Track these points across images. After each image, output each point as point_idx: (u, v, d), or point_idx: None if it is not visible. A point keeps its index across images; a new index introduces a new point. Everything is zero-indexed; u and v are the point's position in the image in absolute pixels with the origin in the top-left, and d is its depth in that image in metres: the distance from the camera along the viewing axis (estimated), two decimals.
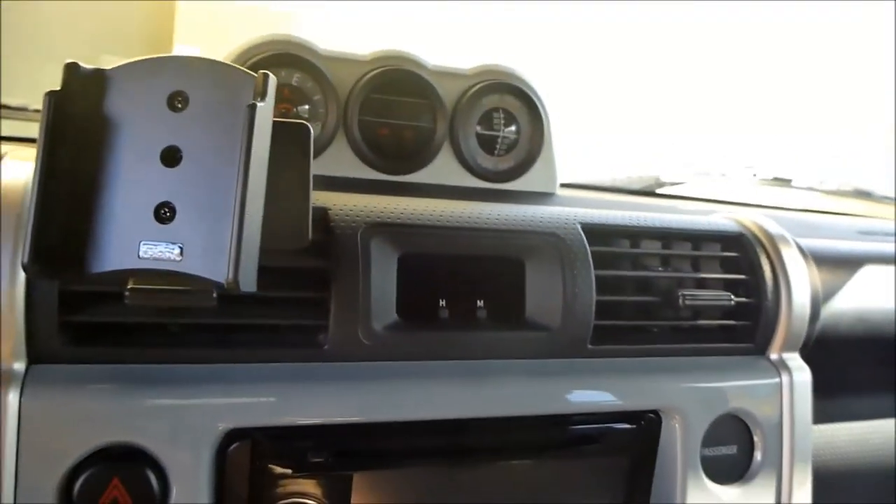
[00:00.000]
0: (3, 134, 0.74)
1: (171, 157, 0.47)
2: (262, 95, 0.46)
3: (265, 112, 0.46)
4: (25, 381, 0.50)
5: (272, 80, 0.47)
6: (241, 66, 0.55)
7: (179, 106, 0.47)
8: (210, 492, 0.53)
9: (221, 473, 0.54)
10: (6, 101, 0.90)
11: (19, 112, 0.89)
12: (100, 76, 0.48)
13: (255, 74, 0.47)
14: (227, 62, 0.48)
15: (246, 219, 0.44)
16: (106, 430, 0.51)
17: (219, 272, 0.45)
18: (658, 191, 1.20)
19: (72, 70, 0.46)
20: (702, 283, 0.70)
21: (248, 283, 0.46)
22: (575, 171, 1.04)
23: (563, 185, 0.89)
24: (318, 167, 0.76)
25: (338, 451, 0.56)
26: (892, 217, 1.18)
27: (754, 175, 1.46)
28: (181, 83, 0.47)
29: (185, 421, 0.52)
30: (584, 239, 0.64)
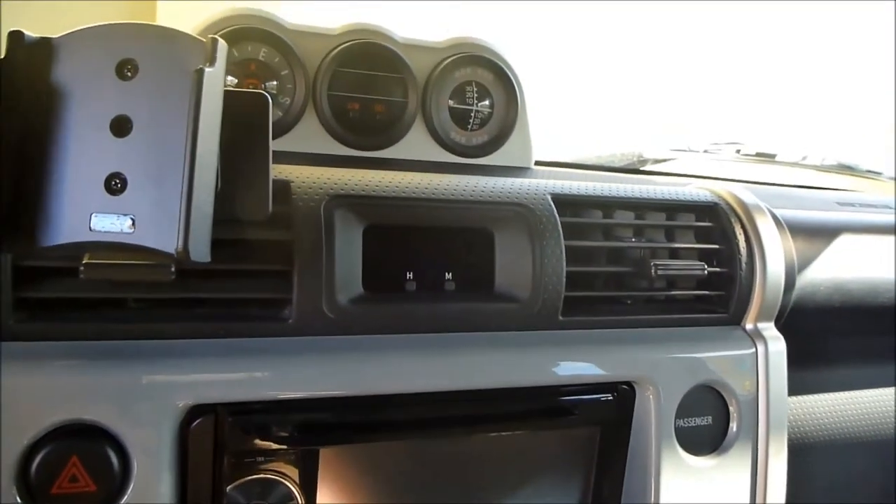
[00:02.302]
0: None
1: (121, 126, 0.45)
2: (211, 61, 0.45)
3: (214, 78, 0.45)
4: None
5: (222, 46, 0.46)
6: None
7: (129, 74, 0.46)
8: (173, 469, 0.52)
9: (184, 450, 0.53)
10: None
11: None
12: (46, 44, 0.46)
13: (205, 40, 0.46)
14: (177, 29, 0.47)
15: (195, 187, 0.43)
16: (63, 408, 0.50)
17: (170, 243, 0.44)
18: (641, 168, 1.20)
19: (16, 38, 0.45)
20: (675, 254, 0.69)
21: (200, 253, 0.45)
22: (556, 150, 1.03)
23: (541, 164, 0.89)
24: (287, 143, 0.76)
25: (303, 425, 0.56)
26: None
27: (738, 151, 1.45)
28: (130, 51, 0.46)
29: (145, 397, 0.52)
30: (554, 209, 0.64)
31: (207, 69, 0.44)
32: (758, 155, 1.44)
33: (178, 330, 0.54)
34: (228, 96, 0.49)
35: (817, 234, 0.78)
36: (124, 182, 0.45)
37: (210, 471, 0.54)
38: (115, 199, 0.45)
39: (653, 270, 0.64)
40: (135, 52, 0.46)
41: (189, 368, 0.53)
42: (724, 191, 0.75)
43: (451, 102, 0.82)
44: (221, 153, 0.50)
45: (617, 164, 1.19)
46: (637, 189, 0.70)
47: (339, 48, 0.77)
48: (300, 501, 0.55)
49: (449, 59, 0.80)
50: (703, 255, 0.70)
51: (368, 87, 0.78)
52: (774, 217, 0.74)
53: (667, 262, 0.66)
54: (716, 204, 0.72)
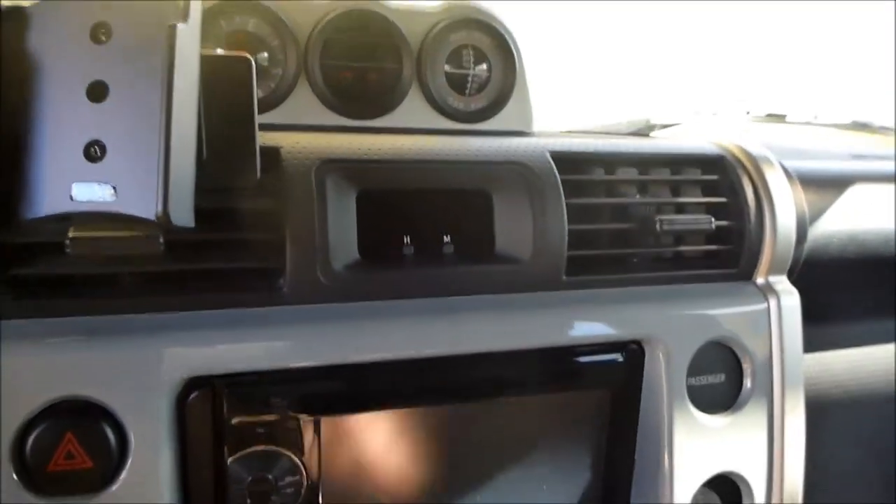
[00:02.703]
0: None
1: (97, 92, 0.44)
2: (184, 17, 0.43)
3: (189, 35, 0.43)
4: None
5: (195, 3, 0.44)
6: None
7: (103, 38, 0.45)
8: (171, 443, 0.52)
9: (182, 424, 0.52)
10: None
11: None
12: (19, 12, 0.45)
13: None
14: None
15: (173, 149, 0.42)
16: (57, 385, 0.49)
17: (151, 209, 0.43)
18: (649, 134, 1.17)
19: None
20: (681, 209, 0.67)
21: (183, 217, 0.43)
22: (561, 118, 1.01)
23: (544, 134, 0.87)
24: (280, 115, 0.74)
25: (303, 395, 0.55)
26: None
27: (747, 112, 1.42)
28: (104, 14, 0.45)
29: (140, 372, 0.51)
30: (554, 167, 0.62)
31: (180, 25, 0.42)
32: (768, 116, 1.41)
33: (170, 303, 0.53)
34: (210, 61, 0.48)
35: (829, 185, 0.76)
36: (103, 149, 0.44)
37: (210, 444, 0.53)
38: (96, 167, 0.44)
39: (658, 226, 0.62)
40: (108, 15, 0.45)
41: (183, 341, 0.52)
42: (731, 143, 0.73)
43: (447, 67, 0.80)
44: (206, 121, 0.49)
45: (623, 131, 1.17)
46: (640, 144, 0.68)
47: (330, 16, 0.75)
48: (304, 472, 0.54)
49: (443, 23, 0.78)
50: (711, 210, 0.68)
51: (361, 55, 0.76)
52: (784, 169, 0.71)
53: (672, 216, 0.64)
54: (722, 157, 0.70)
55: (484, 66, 0.81)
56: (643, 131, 1.18)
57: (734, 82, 1.65)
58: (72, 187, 0.44)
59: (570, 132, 1.02)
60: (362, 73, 0.77)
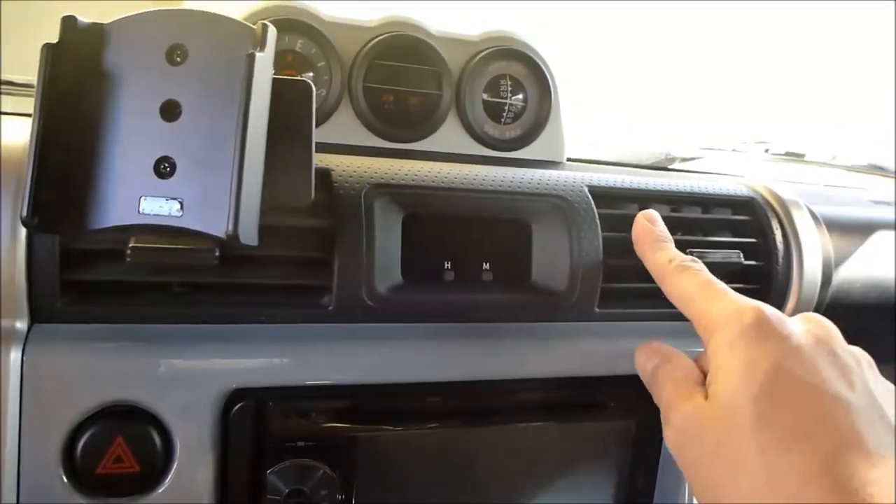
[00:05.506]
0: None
1: (170, 111, 0.46)
2: (262, 46, 0.45)
3: (264, 63, 0.45)
4: (28, 341, 0.50)
5: (272, 31, 0.46)
6: None
7: (178, 59, 0.47)
8: (214, 452, 0.53)
9: (225, 433, 0.53)
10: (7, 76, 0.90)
11: (23, 88, 0.89)
12: (98, 29, 0.47)
13: (255, 26, 0.46)
14: (226, 15, 0.48)
15: (245, 171, 0.44)
16: (108, 390, 0.51)
17: (218, 227, 0.44)
18: (669, 167, 1.19)
19: (69, 23, 0.46)
20: (712, 247, 0.69)
21: (249, 236, 0.45)
22: (582, 148, 1.03)
23: (571, 161, 0.88)
24: (322, 135, 0.76)
25: (342, 412, 0.56)
26: None
27: (766, 151, 1.44)
28: (180, 36, 0.47)
29: (188, 381, 0.52)
30: (592, 202, 0.63)
31: (258, 54, 0.44)
32: (787, 154, 1.43)
33: (220, 315, 0.54)
34: (273, 83, 0.50)
35: (853, 231, 0.77)
36: (173, 166, 0.46)
37: (250, 455, 0.54)
38: (164, 183, 0.46)
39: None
40: (184, 38, 0.46)
41: (231, 353, 0.54)
42: (760, 185, 0.74)
43: (484, 96, 0.82)
44: (266, 141, 0.51)
45: (645, 162, 1.19)
46: (673, 182, 0.70)
47: (375, 40, 0.77)
48: (339, 487, 0.56)
49: (483, 53, 0.80)
50: (740, 250, 0.69)
51: (403, 80, 0.78)
52: (811, 212, 0.73)
53: (703, 251, 0.65)
54: (752, 198, 0.72)
55: (520, 96, 0.83)
56: (663, 164, 1.20)
57: (754, 119, 1.68)
58: (140, 201, 0.46)
59: (595, 161, 1.04)
60: (404, 97, 0.79)
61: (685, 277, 0.52)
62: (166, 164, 0.46)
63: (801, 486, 0.39)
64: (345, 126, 0.77)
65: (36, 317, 0.51)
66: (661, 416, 0.49)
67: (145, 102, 0.46)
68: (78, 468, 0.50)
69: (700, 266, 0.53)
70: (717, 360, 0.45)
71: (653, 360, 0.53)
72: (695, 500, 0.65)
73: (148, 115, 0.46)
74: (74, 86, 0.46)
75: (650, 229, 0.58)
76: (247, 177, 0.44)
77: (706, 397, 0.46)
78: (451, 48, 0.80)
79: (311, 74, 0.76)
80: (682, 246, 0.67)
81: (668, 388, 0.50)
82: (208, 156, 0.45)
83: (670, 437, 0.47)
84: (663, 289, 0.54)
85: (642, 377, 0.54)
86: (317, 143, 0.70)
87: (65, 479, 0.50)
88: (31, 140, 0.44)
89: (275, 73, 0.49)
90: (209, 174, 0.45)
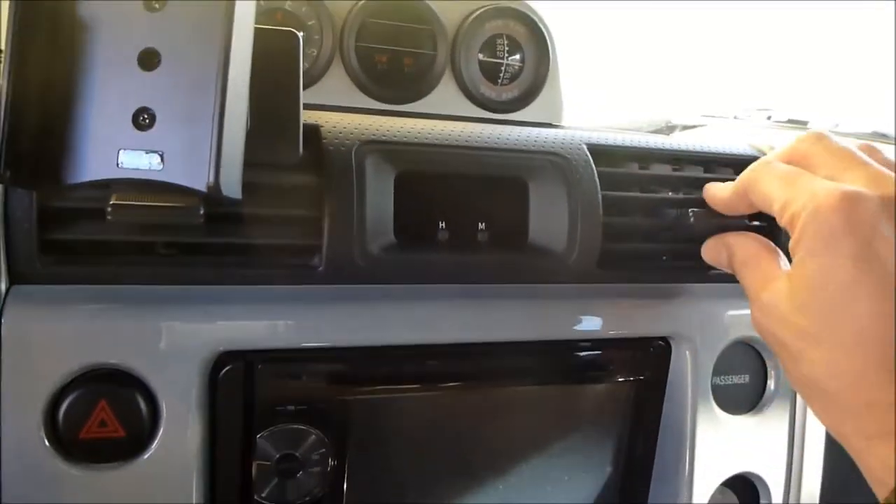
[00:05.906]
0: None
1: (148, 60, 0.44)
2: None
3: (245, 8, 0.43)
4: (6, 302, 0.48)
5: None
6: None
7: (157, 6, 0.44)
8: (202, 416, 0.52)
9: (213, 397, 0.52)
10: None
11: None
12: None
13: None
14: None
15: (226, 121, 0.42)
16: (91, 352, 0.49)
17: (200, 180, 0.42)
18: (670, 135, 1.17)
19: None
20: None
21: (232, 189, 0.43)
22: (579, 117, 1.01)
23: (573, 128, 0.86)
24: (314, 96, 0.74)
25: (335, 375, 0.55)
26: None
27: (768, 118, 1.42)
28: None
29: (174, 343, 0.51)
30: (591, 160, 0.61)
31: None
32: (789, 121, 1.40)
33: (206, 276, 0.52)
34: (258, 34, 0.48)
35: None
36: (153, 117, 0.44)
37: (240, 419, 0.53)
38: (144, 135, 0.44)
39: (691, 217, 0.62)
40: None
41: (219, 315, 0.52)
42: (764, 144, 0.72)
43: (480, 56, 0.79)
44: (250, 94, 0.49)
45: (644, 130, 1.16)
46: (674, 142, 0.68)
47: None
48: (331, 451, 0.54)
49: (479, 11, 0.78)
50: None
51: (397, 39, 0.76)
52: None
53: (705, 209, 0.63)
54: (756, 158, 0.70)
55: (517, 57, 0.81)
56: (663, 131, 1.18)
57: (753, 86, 1.65)
58: (118, 154, 0.44)
59: (592, 128, 1.02)
60: (397, 57, 0.77)
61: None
62: (145, 116, 0.44)
63: None
64: (336, 87, 0.74)
65: (14, 278, 0.49)
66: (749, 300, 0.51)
67: (123, 51, 0.44)
68: (61, 433, 0.49)
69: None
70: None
71: (722, 252, 0.56)
72: (695, 462, 0.64)
73: (126, 64, 0.44)
74: (48, 35, 0.44)
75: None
76: (228, 125, 0.42)
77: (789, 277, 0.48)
78: (446, 6, 0.77)
79: (301, 34, 0.74)
80: (683, 204, 0.65)
81: (747, 275, 0.52)
82: (189, 106, 0.43)
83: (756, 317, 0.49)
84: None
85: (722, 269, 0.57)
86: (307, 104, 0.68)
87: (47, 444, 0.48)
88: (1, 93, 0.41)
89: None
90: (190, 125, 0.43)
